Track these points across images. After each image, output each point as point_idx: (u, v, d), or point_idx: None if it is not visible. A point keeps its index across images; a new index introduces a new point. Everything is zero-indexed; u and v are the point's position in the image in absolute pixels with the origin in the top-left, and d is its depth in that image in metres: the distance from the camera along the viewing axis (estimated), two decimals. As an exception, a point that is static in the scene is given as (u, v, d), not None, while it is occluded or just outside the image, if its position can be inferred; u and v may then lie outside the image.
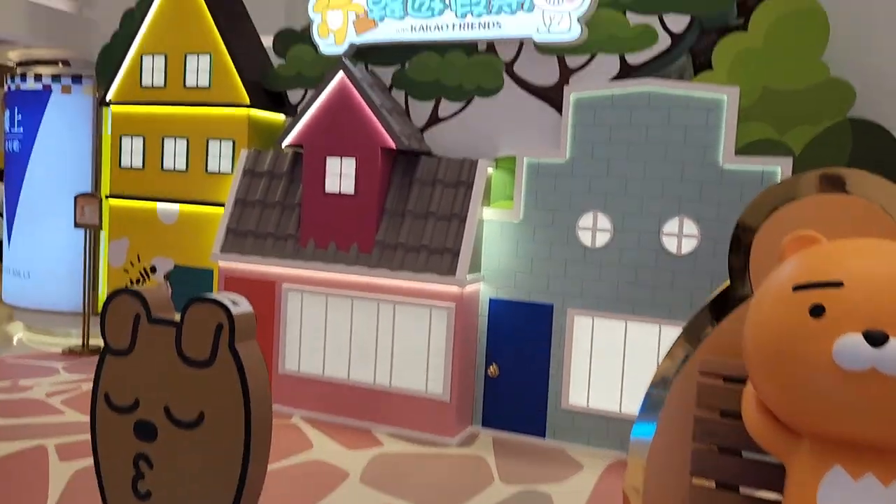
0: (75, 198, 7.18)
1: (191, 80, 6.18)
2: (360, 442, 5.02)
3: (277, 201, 5.70)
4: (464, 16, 5.29)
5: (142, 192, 6.43)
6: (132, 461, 2.81)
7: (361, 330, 5.35)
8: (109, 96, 6.50)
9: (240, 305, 2.70)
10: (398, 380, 5.26)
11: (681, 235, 4.80)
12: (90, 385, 6.15)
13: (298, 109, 6.03)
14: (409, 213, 5.31)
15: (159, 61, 6.29)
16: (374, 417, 5.31)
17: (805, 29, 4.55)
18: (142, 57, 6.36)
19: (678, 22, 4.87)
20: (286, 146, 5.54)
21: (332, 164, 5.39)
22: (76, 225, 7.23)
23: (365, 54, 5.72)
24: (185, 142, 6.23)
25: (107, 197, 6.59)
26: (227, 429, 2.68)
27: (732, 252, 3.15)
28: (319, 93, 5.37)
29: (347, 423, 5.36)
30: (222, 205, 6.10)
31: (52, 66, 7.54)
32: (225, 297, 2.70)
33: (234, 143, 6.06)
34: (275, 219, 5.66)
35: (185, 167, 6.25)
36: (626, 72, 5.03)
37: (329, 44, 5.74)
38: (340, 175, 5.37)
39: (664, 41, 4.91)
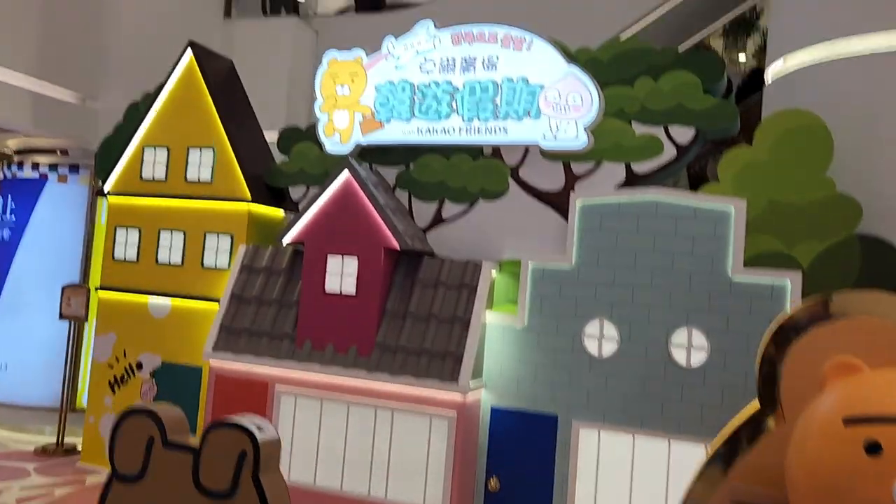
0: (62, 289, 7.00)
1: (192, 174, 6.14)
2: (352, 561, 4.68)
3: (275, 299, 5.55)
4: (470, 120, 5.35)
5: (134, 285, 6.27)
6: None
7: (357, 437, 5.10)
8: (108, 187, 6.44)
9: (265, 431, 2.50)
10: (395, 492, 4.97)
11: (690, 347, 4.67)
12: (64, 490, 5.79)
13: (300, 206, 6.00)
14: (411, 314, 5.17)
15: (161, 154, 6.27)
16: (366, 533, 4.99)
17: (809, 144, 4.61)
18: (143, 149, 6.35)
19: (683, 134, 4.93)
20: (287, 243, 5.45)
21: (334, 262, 5.29)
22: (61, 316, 7.02)
23: (369, 154, 5.74)
24: (182, 235, 6.13)
25: (97, 289, 6.41)
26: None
27: (761, 375, 3.03)
28: (324, 191, 5.33)
29: (338, 539, 5.02)
30: (217, 300, 5.94)
31: (50, 154, 7.52)
32: (249, 422, 2.51)
33: (232, 237, 5.97)
34: (271, 317, 5.50)
35: (180, 261, 6.12)
36: (632, 180, 5.05)
37: (335, 143, 5.76)
38: (342, 274, 5.26)
39: (669, 151, 4.96)
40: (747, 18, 9.41)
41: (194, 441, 2.55)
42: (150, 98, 6.58)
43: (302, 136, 6.05)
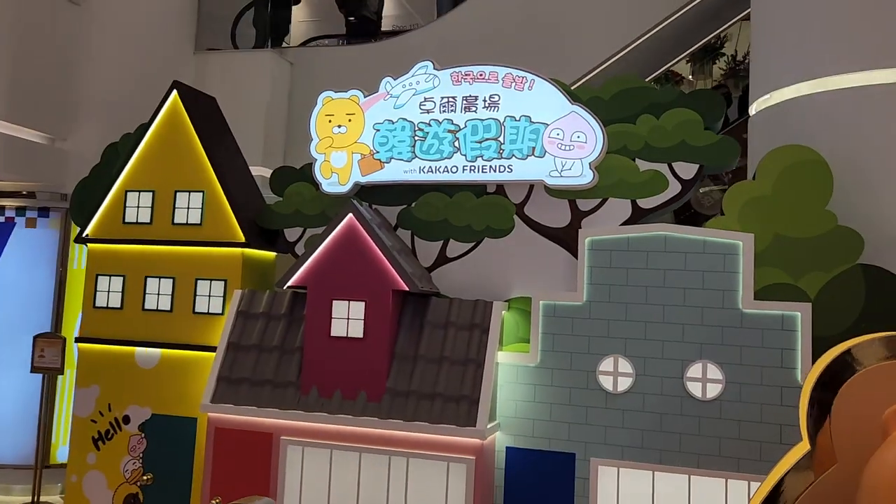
0: (34, 339, 6.64)
1: (180, 217, 5.93)
2: None
3: (276, 345, 5.38)
4: (474, 159, 5.33)
5: (118, 335, 5.98)
6: None
7: (370, 486, 4.96)
8: (87, 232, 6.16)
9: None
10: (412, 542, 4.85)
11: (705, 380, 4.73)
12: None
13: (299, 249, 5.86)
14: (421, 357, 5.08)
15: (146, 198, 6.04)
16: (385, 586, 4.84)
17: (811, 179, 4.76)
18: (126, 192, 6.10)
19: (687, 169, 5.03)
20: (288, 287, 5.30)
21: (339, 307, 5.16)
22: (33, 369, 6.65)
23: (368, 193, 5.66)
24: (170, 281, 5.90)
25: (76, 340, 6.09)
26: None
27: (811, 418, 3.08)
28: (327, 233, 5.22)
29: None
30: (210, 348, 5.72)
31: (16, 198, 7.16)
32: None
33: (225, 282, 5.77)
34: (273, 364, 5.32)
35: (169, 308, 5.88)
36: (639, 214, 5.11)
37: (332, 183, 5.65)
38: (348, 318, 5.14)
39: (674, 185, 5.05)
40: (713, 45, 9.77)
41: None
42: (130, 139, 6.35)
43: (296, 175, 5.92)
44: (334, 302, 5.18)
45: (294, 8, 10.06)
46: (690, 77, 10.93)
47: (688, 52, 9.50)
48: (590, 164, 5.08)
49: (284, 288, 5.33)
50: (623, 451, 4.83)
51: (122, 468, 5.87)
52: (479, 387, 4.87)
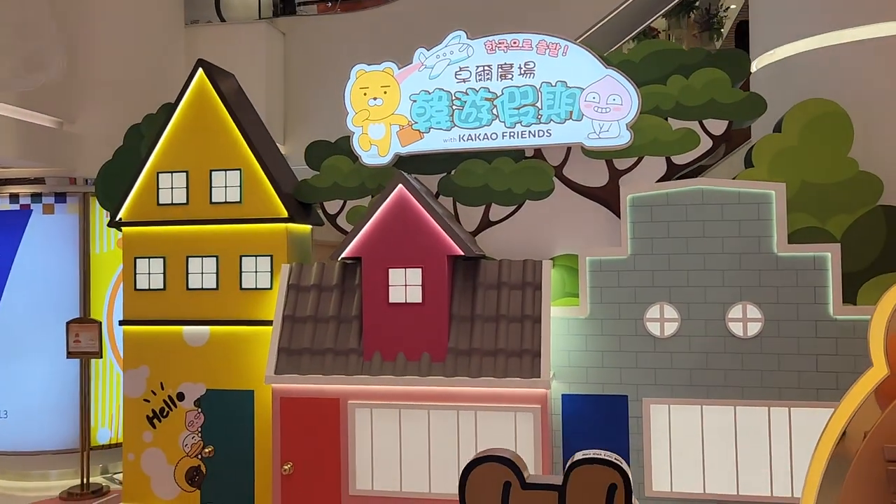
0: (67, 325, 6.65)
1: (218, 196, 5.99)
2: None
3: (332, 316, 5.57)
4: (513, 125, 5.55)
5: (164, 316, 6.06)
6: None
7: (441, 441, 5.26)
8: (120, 216, 6.15)
9: (623, 464, 2.65)
10: (485, 488, 5.18)
11: (745, 320, 5.16)
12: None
13: (340, 221, 6.01)
14: (478, 317, 5.36)
15: (179, 178, 6.06)
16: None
17: (833, 129, 5.16)
18: (158, 174, 6.10)
19: (718, 126, 5.36)
20: (340, 259, 5.47)
21: (396, 275, 5.37)
22: (69, 355, 6.67)
23: (406, 163, 5.82)
24: (214, 260, 5.98)
25: (121, 323, 6.14)
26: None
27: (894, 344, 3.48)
28: (377, 206, 5.39)
29: (435, 540, 5.20)
30: (260, 322, 5.88)
31: (28, 184, 7.03)
32: (606, 455, 2.65)
33: (271, 258, 5.89)
34: (332, 333, 5.52)
35: (215, 285, 5.98)
36: (673, 171, 5.44)
37: (371, 155, 5.79)
38: (406, 285, 5.36)
39: (706, 142, 5.38)
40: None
41: (555, 479, 2.67)
42: (153, 119, 6.32)
43: (332, 149, 6.03)
44: (390, 270, 5.38)
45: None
46: (666, 31, 11.29)
47: (666, 7, 9.79)
48: (626, 124, 5.36)
49: (339, 260, 5.49)
50: (672, 390, 5.25)
51: (181, 443, 6.02)
52: (538, 340, 5.19)
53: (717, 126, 5.36)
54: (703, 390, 5.20)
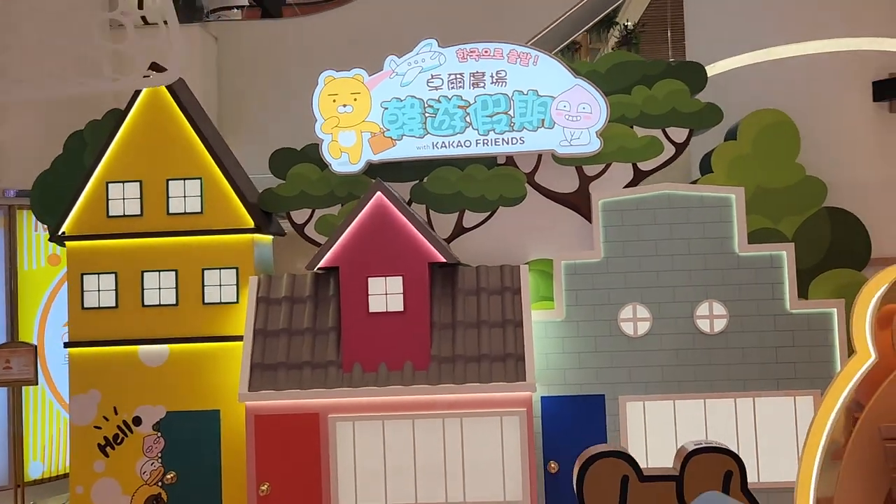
0: (-4, 349, 6.09)
1: (176, 207, 5.68)
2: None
3: (307, 328, 5.41)
4: (486, 133, 5.62)
5: (116, 335, 5.66)
6: None
7: (426, 450, 5.20)
8: (63, 230, 5.71)
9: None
10: (473, 493, 5.17)
11: (712, 317, 5.45)
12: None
13: (308, 230, 5.85)
14: (460, 323, 5.36)
15: (132, 189, 5.70)
16: (453, 538, 5.15)
17: (783, 137, 5.58)
18: (107, 184, 5.72)
19: (679, 134, 5.66)
20: (319, 268, 5.34)
21: (376, 284, 5.29)
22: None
23: (376, 171, 5.75)
24: (173, 274, 5.66)
25: (66, 345, 5.69)
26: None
27: (879, 330, 3.81)
28: (355, 214, 5.29)
29: (425, 551, 5.13)
30: (226, 338, 5.63)
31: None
32: (715, 443, 2.68)
33: (237, 270, 5.65)
34: (307, 346, 5.36)
35: (174, 301, 5.66)
36: (639, 176, 5.69)
37: (342, 162, 5.69)
38: (386, 294, 5.29)
39: (668, 149, 5.66)
40: (608, 16, 10.60)
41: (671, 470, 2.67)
42: (99, 126, 5.92)
43: (298, 157, 5.87)
44: (370, 279, 5.30)
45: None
46: (588, 46, 11.76)
47: (591, 23, 10.24)
48: (596, 132, 5.56)
49: (315, 270, 5.35)
50: (646, 387, 5.46)
51: (138, 471, 5.63)
52: (521, 344, 5.26)
53: (679, 134, 5.66)
54: (675, 386, 5.45)
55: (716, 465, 2.85)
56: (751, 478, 5.22)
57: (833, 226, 5.55)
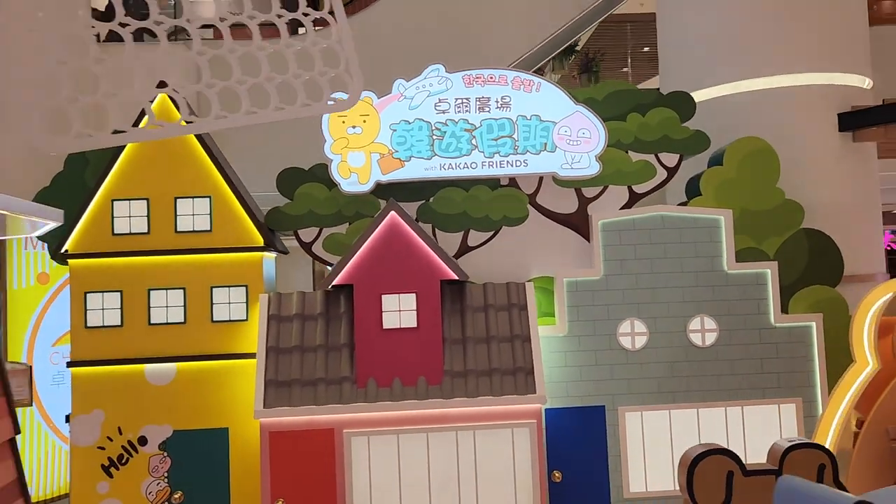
0: (-13, 371, 5.91)
1: (185, 225, 5.69)
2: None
3: (319, 345, 5.50)
4: (491, 155, 5.86)
5: (121, 354, 5.61)
6: None
7: (440, 462, 5.35)
8: (66, 248, 5.64)
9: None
10: (486, 503, 5.35)
11: (703, 331, 5.81)
12: None
13: (316, 248, 5.95)
14: (470, 339, 5.55)
15: (139, 207, 5.69)
16: (466, 548, 5.30)
17: (764, 164, 6.02)
18: (112, 202, 5.68)
19: (671, 159, 6.04)
20: (331, 287, 5.45)
21: (389, 301, 5.43)
22: (-10, 404, 5.92)
23: (383, 191, 5.91)
24: (181, 292, 5.66)
25: (69, 364, 5.59)
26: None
27: (880, 339, 4.20)
28: (368, 234, 5.43)
29: (440, 561, 5.26)
30: (235, 356, 5.65)
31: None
32: (799, 439, 2.92)
33: (246, 288, 5.70)
34: (321, 363, 5.44)
35: (182, 319, 5.65)
36: (634, 198, 6.03)
37: (351, 182, 5.83)
38: (399, 310, 5.44)
39: (661, 173, 6.03)
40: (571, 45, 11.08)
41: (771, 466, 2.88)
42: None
43: (305, 176, 5.97)
44: (384, 296, 5.44)
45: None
46: (550, 73, 12.23)
47: (556, 52, 10.68)
48: (595, 156, 5.88)
49: (330, 288, 5.46)
50: (644, 398, 5.77)
51: (143, 491, 5.57)
52: (530, 357, 5.48)
53: (670, 159, 6.03)
54: (670, 396, 5.77)
55: (811, 459, 3.13)
56: (739, 482, 5.70)
57: (810, 245, 6.01)
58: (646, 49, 13.36)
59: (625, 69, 12.10)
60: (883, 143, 6.95)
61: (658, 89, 6.23)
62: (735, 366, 5.80)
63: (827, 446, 4.19)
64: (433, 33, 9.12)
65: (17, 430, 3.80)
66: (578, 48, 11.82)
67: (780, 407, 5.78)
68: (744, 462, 3.25)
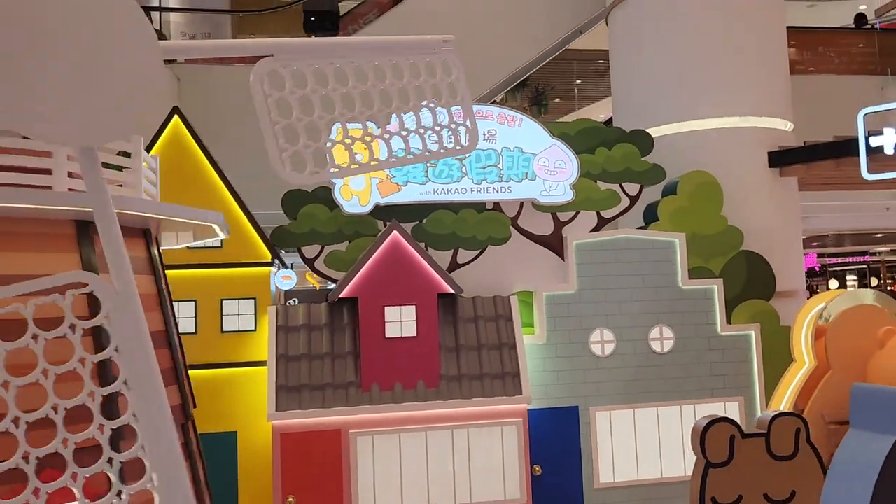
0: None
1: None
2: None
3: (326, 352, 5.98)
4: (479, 182, 6.54)
5: (134, 362, 5.91)
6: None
7: (437, 458, 5.92)
8: (80, 261, 5.91)
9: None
10: (478, 495, 5.94)
11: (662, 339, 6.65)
12: None
13: (315, 264, 6.43)
14: (462, 347, 6.17)
15: (152, 223, 6.03)
16: (462, 535, 5.88)
17: (710, 194, 6.96)
18: (126, 219, 6.00)
19: (633, 188, 6.89)
20: (338, 299, 5.95)
21: (392, 312, 5.99)
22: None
23: (380, 212, 6.48)
24: (192, 304, 6.03)
25: (81, 373, 5.84)
26: (812, 495, 3.61)
27: (816, 341, 5.09)
28: (372, 251, 5.98)
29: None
30: (244, 364, 6.06)
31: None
32: (778, 411, 3.67)
33: (255, 301, 6.12)
34: (328, 369, 5.93)
35: (193, 330, 6.02)
36: (602, 223, 6.84)
37: (353, 204, 6.37)
38: (401, 321, 6.00)
39: (624, 200, 6.87)
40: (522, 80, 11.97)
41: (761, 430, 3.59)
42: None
43: (308, 197, 6.45)
44: (386, 308, 5.99)
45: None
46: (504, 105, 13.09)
47: (510, 87, 11.55)
48: (570, 185, 6.65)
49: (336, 300, 5.96)
50: (612, 399, 6.53)
51: (154, 494, 5.85)
52: (516, 363, 6.15)
53: (632, 188, 6.88)
54: (634, 397, 6.56)
55: (790, 424, 3.89)
56: (686, 471, 6.53)
57: (748, 265, 6.98)
58: (579, 82, 14.47)
59: (571, 101, 13.13)
60: (803, 178, 8.07)
61: (619, 128, 7.07)
62: (688, 369, 6.65)
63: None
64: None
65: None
66: (528, 83, 12.79)
67: (726, 405, 6.66)
68: (742, 430, 4.02)
